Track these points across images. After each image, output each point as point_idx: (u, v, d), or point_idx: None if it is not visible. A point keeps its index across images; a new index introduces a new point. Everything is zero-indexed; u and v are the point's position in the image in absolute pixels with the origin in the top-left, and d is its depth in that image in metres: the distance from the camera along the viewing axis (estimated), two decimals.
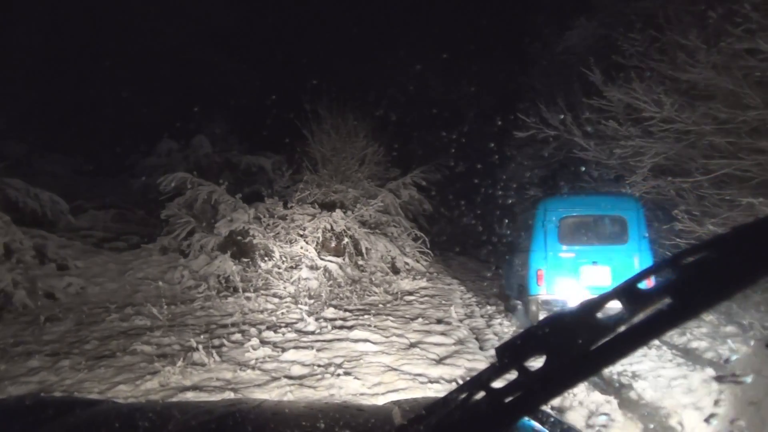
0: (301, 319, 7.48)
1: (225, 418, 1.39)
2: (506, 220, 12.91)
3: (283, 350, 6.08)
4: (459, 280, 12.05)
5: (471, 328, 7.89)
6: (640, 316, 0.66)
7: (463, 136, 16.36)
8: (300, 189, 11.61)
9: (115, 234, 11.67)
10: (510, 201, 14.33)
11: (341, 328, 7.18)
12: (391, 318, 7.82)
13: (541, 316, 8.27)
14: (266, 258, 9.86)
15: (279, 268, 9.76)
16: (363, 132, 13.49)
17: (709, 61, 6.39)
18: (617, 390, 5.19)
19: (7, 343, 6.29)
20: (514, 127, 11.60)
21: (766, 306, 6.47)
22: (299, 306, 8.30)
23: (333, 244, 10.87)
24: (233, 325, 7.16)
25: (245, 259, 9.78)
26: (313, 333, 6.95)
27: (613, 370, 5.69)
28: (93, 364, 5.57)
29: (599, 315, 0.71)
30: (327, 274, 9.94)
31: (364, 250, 11.09)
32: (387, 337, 6.77)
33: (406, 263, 11.49)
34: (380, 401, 4.72)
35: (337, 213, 11.04)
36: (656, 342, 6.22)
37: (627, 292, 0.71)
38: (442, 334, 7.08)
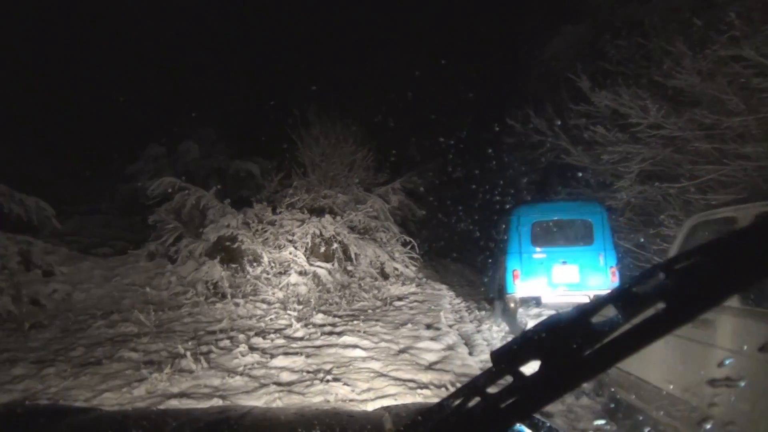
0: (290, 325, 7.44)
1: (214, 425, 1.38)
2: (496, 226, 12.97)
3: (272, 356, 6.04)
4: (448, 285, 12.06)
5: (460, 333, 7.89)
6: (634, 321, 0.66)
7: (460, 142, 16.41)
8: (289, 194, 11.58)
9: (101, 239, 11.56)
10: (507, 206, 14.40)
11: (330, 333, 7.15)
12: (380, 323, 7.80)
13: (519, 312, 8.70)
14: (255, 263, 9.81)
15: (268, 274, 9.71)
16: (352, 137, 13.50)
17: (695, 68, 6.48)
18: (605, 394, 5.20)
19: None
20: (504, 133, 11.67)
21: None
22: (288, 312, 8.26)
23: (322, 250, 10.84)
24: (221, 331, 7.11)
25: (234, 265, 9.72)
26: (302, 339, 6.91)
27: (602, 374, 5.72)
28: (79, 371, 5.50)
29: (594, 320, 0.71)
30: (316, 280, 9.91)
31: (353, 256, 11.07)
32: (376, 342, 6.75)
33: (396, 268, 11.49)
34: (370, 407, 4.70)
35: (327, 218, 11.02)
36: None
37: (622, 296, 0.71)
38: (432, 339, 7.07)
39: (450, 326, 8.10)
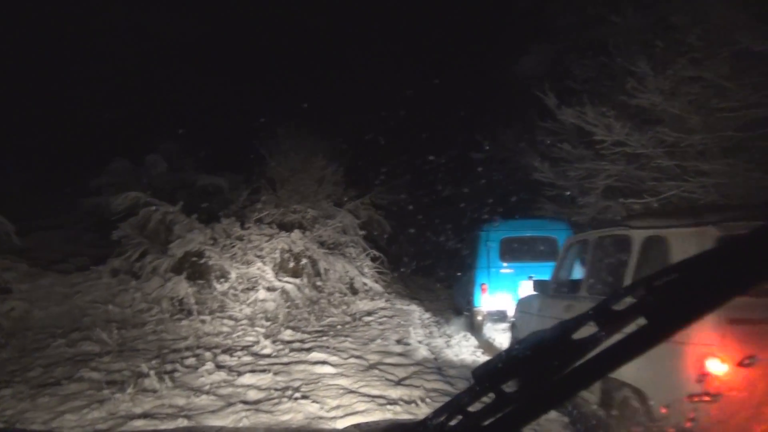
0: (258, 342, 7.33)
1: None
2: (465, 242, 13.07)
3: (239, 374, 5.93)
4: (417, 300, 12.07)
5: (430, 348, 7.88)
6: (615, 337, 0.67)
7: (429, 159, 16.51)
8: (258, 209, 11.47)
9: (63, 255, 11.21)
10: (475, 222, 14.51)
11: (299, 350, 7.07)
12: (349, 339, 7.75)
13: (486, 326, 8.86)
14: (222, 279, 9.65)
15: (235, 290, 9.56)
16: (322, 152, 13.47)
17: (657, 87, 6.67)
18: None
19: None
20: (474, 149, 11.79)
21: None
22: (256, 328, 8.14)
23: (291, 265, 10.73)
24: (187, 349, 6.95)
25: (200, 281, 9.54)
26: (270, 356, 6.81)
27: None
28: (36, 392, 5.30)
29: (575, 336, 0.71)
30: (284, 296, 9.80)
31: (322, 271, 10.99)
32: (345, 358, 6.69)
33: (365, 284, 11.44)
34: (339, 424, 4.64)
35: (296, 233, 10.93)
36: None
37: (602, 313, 0.71)
38: (401, 354, 7.05)
39: (419, 341, 8.09)
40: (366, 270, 11.97)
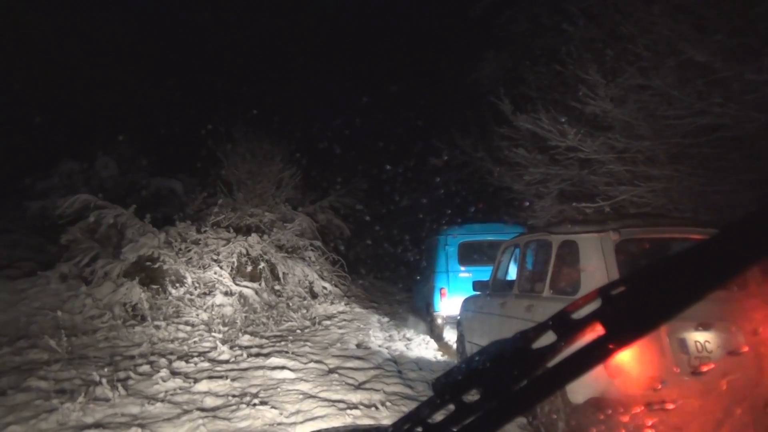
0: (215, 348, 7.19)
1: None
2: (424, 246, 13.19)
3: (196, 381, 5.81)
4: (377, 304, 12.08)
5: (390, 351, 7.90)
6: (574, 347, 0.67)
7: (388, 163, 16.63)
8: (214, 212, 11.26)
9: (7, 260, 10.73)
10: (433, 227, 14.66)
11: (257, 355, 6.98)
12: (309, 344, 7.70)
13: (446, 329, 8.96)
14: (178, 284, 9.43)
15: (191, 295, 9.36)
16: (280, 155, 13.35)
17: (607, 95, 6.89)
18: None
19: None
20: (431, 154, 11.88)
21: None
22: (213, 334, 7.98)
23: (249, 269, 10.58)
24: (141, 356, 6.76)
25: (155, 286, 9.29)
26: (227, 362, 6.69)
27: None
28: None
29: (535, 346, 0.72)
30: (242, 300, 9.65)
31: (281, 275, 10.88)
32: (305, 363, 6.65)
33: (324, 287, 11.39)
34: (299, 430, 4.61)
35: (253, 237, 10.79)
36: None
37: (561, 322, 0.72)
38: (361, 358, 7.05)
39: (379, 345, 8.11)
40: (325, 274, 11.91)
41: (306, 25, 23.11)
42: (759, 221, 0.62)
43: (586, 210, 7.50)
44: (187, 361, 6.55)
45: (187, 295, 9.29)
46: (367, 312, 10.75)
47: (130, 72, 17.45)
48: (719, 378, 3.09)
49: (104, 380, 5.38)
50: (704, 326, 3.59)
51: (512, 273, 6.02)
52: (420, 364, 7.36)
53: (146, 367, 6.21)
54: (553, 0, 9.43)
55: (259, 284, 10.33)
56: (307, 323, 9.34)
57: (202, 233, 10.51)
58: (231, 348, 7.23)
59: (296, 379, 5.98)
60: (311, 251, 12.18)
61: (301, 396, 5.44)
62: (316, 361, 6.77)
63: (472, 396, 0.72)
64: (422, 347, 8.46)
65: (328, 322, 9.39)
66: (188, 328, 8.22)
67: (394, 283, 16.51)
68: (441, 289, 9.13)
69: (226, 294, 9.54)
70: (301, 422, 4.79)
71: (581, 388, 3.62)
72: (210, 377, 5.95)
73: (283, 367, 6.36)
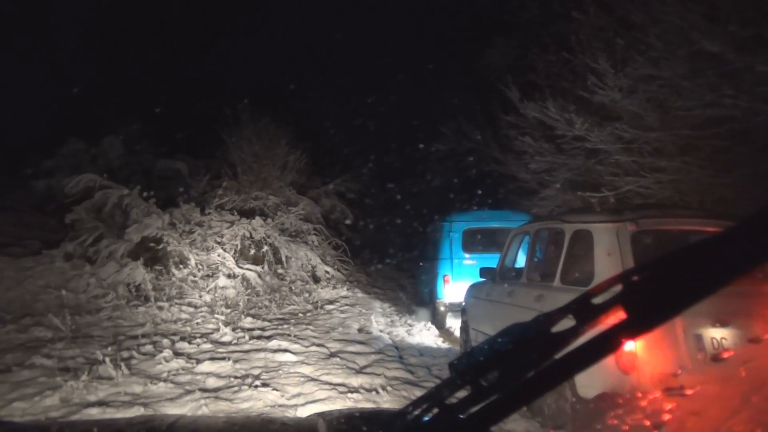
0: (218, 329, 7.23)
1: None
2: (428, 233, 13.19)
3: (198, 362, 5.85)
4: (380, 289, 12.11)
5: (391, 336, 7.94)
6: (594, 331, 0.67)
7: (392, 148, 16.59)
8: (218, 195, 11.27)
9: (13, 239, 10.79)
10: (436, 215, 14.65)
11: (259, 338, 7.02)
12: (311, 327, 7.73)
13: (449, 316, 8.95)
14: (181, 266, 9.47)
15: (195, 277, 9.40)
16: (286, 139, 13.32)
17: (616, 85, 6.82)
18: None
19: None
20: (438, 141, 11.84)
21: None
22: (215, 315, 8.03)
23: (252, 252, 10.61)
24: (144, 336, 6.80)
25: (158, 267, 9.34)
26: (229, 343, 6.74)
27: None
28: None
29: (554, 329, 0.71)
30: (245, 283, 9.69)
31: (284, 259, 10.91)
32: (307, 346, 6.68)
33: (327, 272, 11.42)
34: (300, 412, 4.64)
35: (257, 220, 10.80)
36: None
37: (581, 306, 0.71)
38: (363, 343, 7.08)
39: (381, 330, 8.14)
40: (328, 258, 11.94)
41: (315, 9, 22.97)
42: None
43: (590, 199, 7.47)
44: (189, 342, 6.60)
45: (191, 277, 9.33)
46: (369, 297, 10.78)
47: (138, 53, 17.39)
48: (735, 375, 3.04)
49: (107, 359, 5.42)
50: (722, 322, 3.47)
51: (521, 261, 5.89)
52: (421, 349, 7.39)
53: (149, 347, 6.26)
54: None
55: (262, 267, 10.37)
56: (310, 307, 9.38)
57: (206, 215, 10.53)
58: (233, 330, 7.27)
59: (298, 362, 6.01)
60: (314, 235, 12.20)
61: (302, 379, 5.48)
62: (318, 345, 6.80)
63: (488, 379, 0.72)
64: (424, 333, 8.48)
65: (330, 307, 9.42)
66: (191, 310, 8.27)
67: (399, 269, 16.54)
68: (444, 275, 9.12)
69: (229, 276, 9.57)
70: (303, 404, 4.82)
71: (592, 382, 3.53)
72: (212, 358, 5.99)
73: (285, 350, 6.40)
